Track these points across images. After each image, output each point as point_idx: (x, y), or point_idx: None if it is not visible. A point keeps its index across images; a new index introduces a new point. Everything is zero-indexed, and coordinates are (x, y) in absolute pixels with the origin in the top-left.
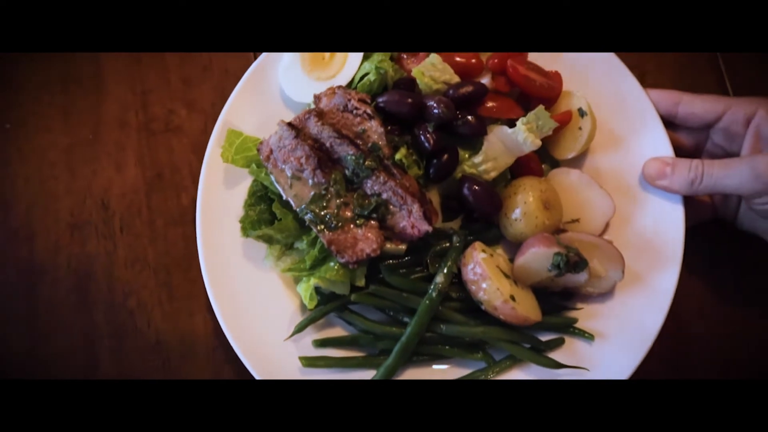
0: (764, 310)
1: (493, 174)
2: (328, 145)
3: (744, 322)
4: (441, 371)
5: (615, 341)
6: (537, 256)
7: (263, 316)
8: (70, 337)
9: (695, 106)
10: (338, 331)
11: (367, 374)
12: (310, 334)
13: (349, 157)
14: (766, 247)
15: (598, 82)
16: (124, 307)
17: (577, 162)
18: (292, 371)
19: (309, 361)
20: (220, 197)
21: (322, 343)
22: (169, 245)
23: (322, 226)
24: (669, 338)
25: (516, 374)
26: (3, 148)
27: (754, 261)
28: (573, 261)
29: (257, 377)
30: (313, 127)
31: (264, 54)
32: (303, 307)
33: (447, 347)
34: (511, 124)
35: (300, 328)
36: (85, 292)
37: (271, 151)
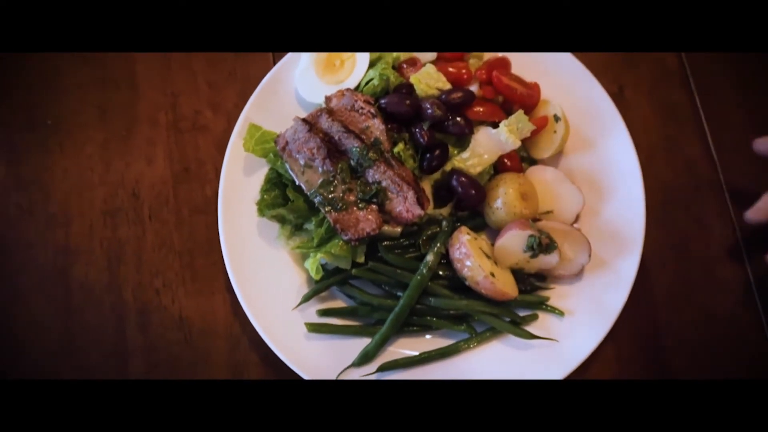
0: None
1: (478, 168)
2: (336, 138)
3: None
4: (429, 340)
5: (582, 318)
6: (514, 238)
7: (274, 288)
8: (101, 313)
9: None
10: (339, 304)
11: (364, 341)
12: (315, 305)
13: (354, 149)
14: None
15: (572, 93)
16: (151, 286)
17: (552, 161)
18: (298, 337)
19: (313, 327)
20: (239, 183)
21: (325, 313)
22: (193, 231)
23: (329, 208)
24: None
25: (495, 345)
26: (45, 142)
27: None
28: (545, 243)
29: (268, 342)
30: (324, 122)
31: (282, 61)
32: (309, 281)
33: (435, 319)
34: (496, 126)
35: (306, 298)
36: (115, 272)
37: (287, 143)
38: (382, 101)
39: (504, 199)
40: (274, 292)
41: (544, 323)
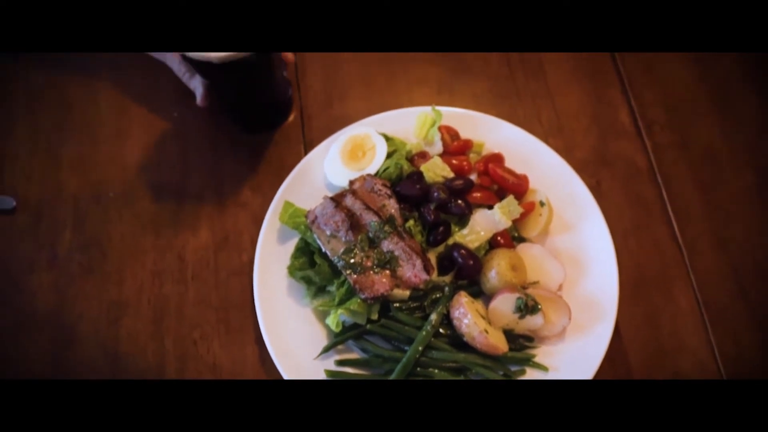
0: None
1: (476, 243)
2: (358, 214)
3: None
4: None
5: (563, 373)
6: (505, 300)
7: (299, 340)
8: (145, 359)
9: None
10: (354, 356)
11: None
12: (334, 356)
13: (372, 223)
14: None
15: (556, 184)
16: (190, 337)
17: (538, 239)
18: None
19: (332, 374)
20: (273, 250)
21: (342, 363)
22: (229, 291)
23: (350, 271)
24: (614, 377)
25: None
26: (106, 212)
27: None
28: (531, 305)
29: None
30: (348, 201)
31: (312, 151)
32: (329, 336)
33: (436, 370)
34: (491, 208)
35: (326, 349)
36: (159, 324)
37: (316, 217)
38: (397, 186)
39: (497, 269)
40: (299, 344)
41: (531, 378)
